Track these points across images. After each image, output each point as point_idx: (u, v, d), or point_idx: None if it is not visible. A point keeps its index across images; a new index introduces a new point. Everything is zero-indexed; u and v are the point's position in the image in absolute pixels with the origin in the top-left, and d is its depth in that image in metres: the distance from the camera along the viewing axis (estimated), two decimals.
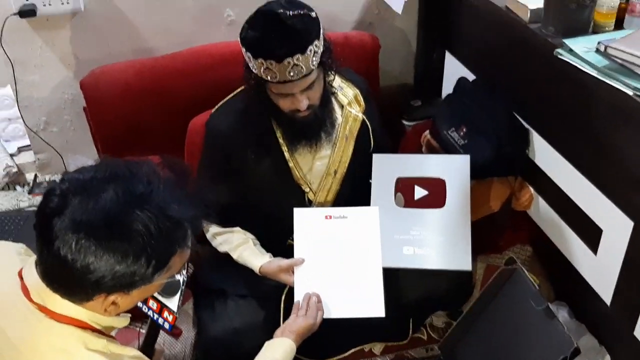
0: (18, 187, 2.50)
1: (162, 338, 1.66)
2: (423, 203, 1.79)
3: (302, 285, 1.61)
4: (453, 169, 1.79)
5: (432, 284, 1.79)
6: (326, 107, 1.69)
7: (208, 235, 1.79)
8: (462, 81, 2.02)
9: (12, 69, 2.22)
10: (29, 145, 2.51)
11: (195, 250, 2.03)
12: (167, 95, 2.16)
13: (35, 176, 2.54)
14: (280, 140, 1.70)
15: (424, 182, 1.80)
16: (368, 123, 1.81)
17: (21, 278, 1.06)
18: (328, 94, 1.69)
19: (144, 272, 0.99)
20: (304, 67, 1.50)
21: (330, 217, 1.68)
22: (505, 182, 1.86)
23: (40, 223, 0.98)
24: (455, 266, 1.69)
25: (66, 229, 0.94)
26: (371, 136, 1.82)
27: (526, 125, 1.80)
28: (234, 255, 1.73)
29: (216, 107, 1.79)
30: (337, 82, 1.77)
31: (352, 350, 1.85)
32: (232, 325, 1.67)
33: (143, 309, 1.38)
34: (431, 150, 2.05)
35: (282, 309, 1.69)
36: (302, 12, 1.52)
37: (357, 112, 1.79)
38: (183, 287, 1.37)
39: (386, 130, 1.99)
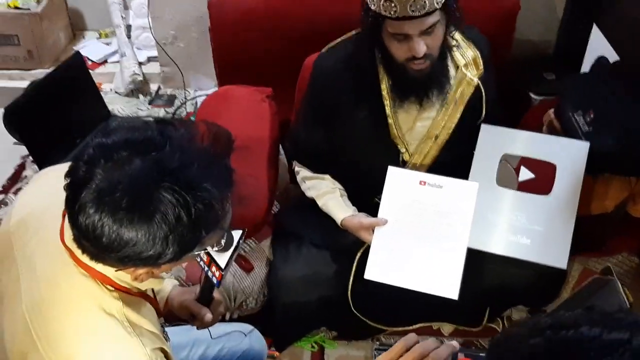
0: (141, 96, 2.63)
1: (232, 272, 1.69)
2: (527, 186, 1.66)
3: (380, 247, 1.56)
4: (568, 155, 1.62)
5: (518, 275, 1.67)
6: (443, 62, 1.57)
7: (298, 178, 1.78)
8: (601, 61, 1.82)
9: None
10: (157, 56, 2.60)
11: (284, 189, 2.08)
12: (290, 28, 2.13)
13: (159, 88, 2.65)
14: (384, 93, 1.61)
15: (532, 163, 1.65)
16: (483, 90, 1.66)
17: (63, 216, 0.99)
18: (447, 46, 1.56)
19: (170, 254, 0.91)
20: (427, 1, 1.39)
21: (425, 183, 1.59)
22: (625, 182, 1.67)
23: (68, 193, 0.91)
24: (550, 262, 1.56)
25: (90, 204, 0.88)
26: (484, 105, 1.68)
27: None
28: (320, 202, 1.70)
29: (327, 46, 1.73)
30: (458, 39, 1.65)
31: (420, 325, 1.80)
32: (302, 272, 1.67)
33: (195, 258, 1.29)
34: (552, 131, 1.87)
35: (355, 266, 1.66)
36: None
37: (473, 75, 1.65)
38: (239, 245, 1.28)
39: (502, 101, 1.84)
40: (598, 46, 1.97)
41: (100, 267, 0.98)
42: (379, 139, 1.65)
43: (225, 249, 1.23)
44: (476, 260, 1.58)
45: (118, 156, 0.89)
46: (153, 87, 2.66)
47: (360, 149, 1.68)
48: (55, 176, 0.97)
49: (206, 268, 1.27)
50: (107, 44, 2.84)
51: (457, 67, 1.64)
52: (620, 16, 1.89)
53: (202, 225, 0.92)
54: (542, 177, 1.65)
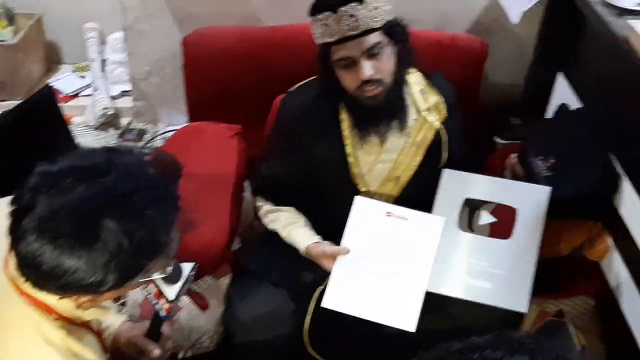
0: (111, 130, 2.62)
1: (187, 310, 1.66)
2: (488, 231, 1.66)
3: (340, 276, 1.55)
4: (529, 200, 1.63)
5: (477, 317, 1.65)
6: (398, 92, 1.59)
7: (260, 213, 1.77)
8: (562, 108, 1.86)
9: (126, 15, 2.31)
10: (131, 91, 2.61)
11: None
12: (263, 68, 2.16)
13: (130, 122, 2.65)
14: (345, 132, 1.63)
15: (493, 208, 1.67)
16: (444, 135, 1.69)
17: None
18: (401, 74, 1.58)
19: (111, 281, 0.91)
20: (360, 20, 1.43)
21: (391, 214, 1.60)
22: (582, 226, 1.69)
23: (11, 221, 0.91)
24: (511, 306, 1.55)
25: (31, 231, 0.87)
26: (444, 150, 1.70)
27: (619, 170, 1.61)
28: (283, 234, 1.69)
29: (296, 85, 1.76)
30: (420, 84, 1.67)
31: None
32: (259, 311, 1.64)
33: (143, 291, 1.25)
34: (514, 175, 1.89)
35: (313, 304, 1.63)
36: None
37: (434, 120, 1.67)
38: (189, 279, 1.24)
39: (470, 147, 1.86)
40: (564, 93, 2.02)
41: (43, 296, 0.97)
42: (340, 179, 1.66)
43: (173, 280, 1.22)
44: (436, 302, 1.57)
45: (62, 183, 0.88)
46: (124, 121, 2.67)
47: (322, 187, 1.69)
48: (4, 206, 0.96)
49: (155, 301, 1.24)
50: (82, 77, 2.85)
51: (418, 111, 1.66)
52: (584, 66, 1.93)
53: (145, 252, 0.91)
54: (503, 222, 1.66)
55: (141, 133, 2.58)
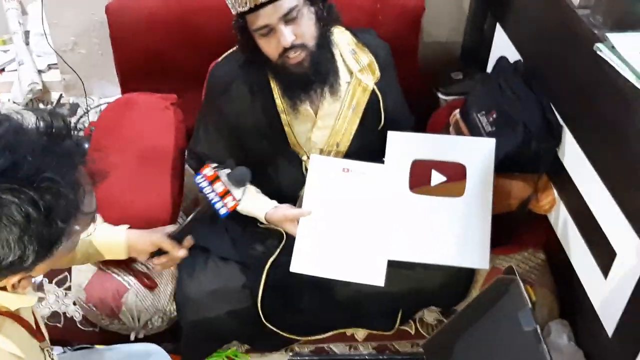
0: (41, 105, 2.49)
1: (135, 291, 1.61)
2: (439, 190, 1.66)
3: (305, 238, 1.53)
4: (476, 154, 1.63)
5: (428, 277, 1.67)
6: (325, 53, 1.53)
7: None
8: (502, 61, 1.84)
9: None
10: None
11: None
12: (193, 32, 2.06)
13: (60, 96, 2.52)
14: (278, 102, 1.58)
15: (442, 166, 1.65)
16: (379, 95, 1.65)
17: None
18: (325, 36, 1.52)
19: (32, 254, 0.87)
20: None
21: (348, 170, 1.58)
22: (527, 180, 1.69)
23: None
24: (472, 264, 1.57)
25: None
26: (382, 110, 1.67)
27: (560, 121, 1.62)
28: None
29: (225, 54, 1.68)
30: (350, 44, 1.63)
31: (333, 332, 1.77)
32: (210, 287, 1.61)
33: (205, 189, 1.33)
34: (458, 132, 1.90)
35: (264, 276, 1.61)
36: None
37: (367, 81, 1.64)
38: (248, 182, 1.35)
39: (407, 105, 1.84)
40: (503, 45, 2.00)
41: None
42: (279, 149, 1.62)
43: (239, 184, 1.33)
44: (391, 264, 1.56)
45: None
46: (55, 95, 2.53)
47: (261, 158, 1.64)
48: None
49: (216, 199, 1.32)
50: (5, 51, 2.68)
51: (351, 72, 1.62)
52: (518, 15, 1.92)
53: (57, 216, 0.87)
54: (454, 179, 1.65)
55: (74, 107, 2.47)
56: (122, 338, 1.66)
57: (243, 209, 1.62)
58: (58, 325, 1.70)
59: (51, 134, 0.90)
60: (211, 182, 1.34)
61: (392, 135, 1.64)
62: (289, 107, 1.58)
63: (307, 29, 1.45)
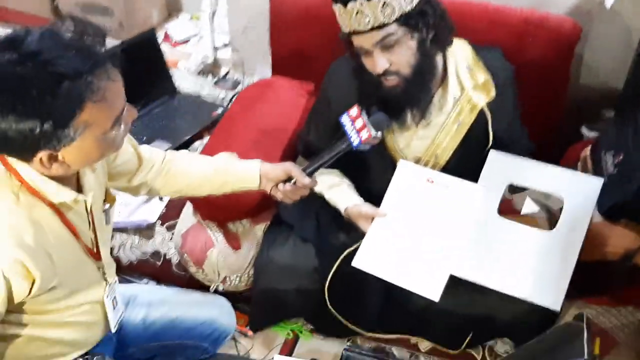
0: (210, 77, 2.77)
1: (220, 247, 1.75)
2: (530, 220, 1.57)
3: (374, 237, 1.55)
4: (578, 191, 1.52)
5: (506, 308, 1.59)
6: (421, 83, 1.52)
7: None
8: None
9: None
10: None
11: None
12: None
13: (227, 73, 2.77)
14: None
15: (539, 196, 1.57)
16: (489, 116, 1.60)
17: None
18: (426, 65, 1.51)
19: (47, 131, 0.98)
20: (370, 16, 1.39)
21: (433, 181, 1.57)
22: (636, 232, 1.53)
23: None
24: (544, 302, 1.46)
25: None
26: (490, 131, 1.62)
27: None
28: (326, 196, 1.71)
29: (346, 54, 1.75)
30: (468, 60, 1.60)
31: (397, 336, 1.76)
32: (284, 262, 1.69)
33: (345, 125, 1.45)
34: (584, 168, 1.77)
35: (338, 263, 1.65)
36: None
37: (478, 99, 1.60)
38: (386, 127, 1.47)
39: (526, 132, 1.75)
40: None
41: (19, 165, 1.07)
42: (377, 151, 1.64)
43: (377, 128, 1.43)
44: (466, 285, 1.53)
45: None
46: (224, 70, 2.80)
47: (358, 158, 1.66)
48: None
49: (351, 129, 1.44)
50: (196, 26, 3.02)
51: (462, 88, 1.59)
52: None
53: (67, 96, 0.98)
54: (547, 212, 1.56)
55: (235, 83, 2.70)
56: (205, 288, 1.80)
57: (331, 198, 1.68)
58: (157, 263, 1.90)
59: (80, 36, 1.02)
60: (353, 120, 1.45)
61: (493, 155, 1.59)
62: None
63: (403, 57, 1.47)
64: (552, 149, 1.94)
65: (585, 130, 2.08)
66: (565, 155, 2.00)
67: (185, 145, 2.34)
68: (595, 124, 2.07)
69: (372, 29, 1.41)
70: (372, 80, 1.52)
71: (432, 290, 1.46)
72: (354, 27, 1.43)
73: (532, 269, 1.48)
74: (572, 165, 1.85)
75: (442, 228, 1.52)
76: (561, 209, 1.53)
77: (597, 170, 1.67)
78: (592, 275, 1.58)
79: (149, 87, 2.53)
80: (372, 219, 1.56)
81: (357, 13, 1.40)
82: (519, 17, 1.98)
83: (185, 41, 2.95)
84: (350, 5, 1.40)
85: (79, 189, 1.20)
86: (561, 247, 1.49)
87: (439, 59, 1.59)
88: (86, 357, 1.34)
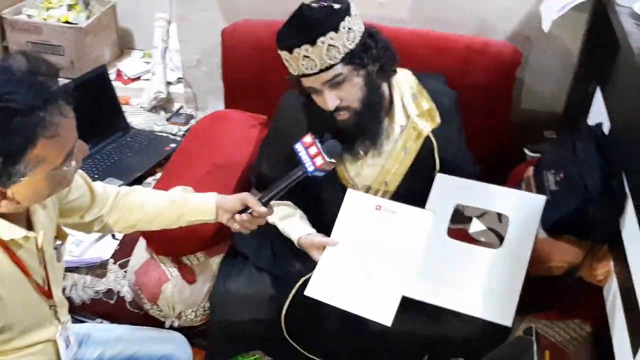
0: (162, 112, 2.77)
1: (174, 282, 1.74)
2: (477, 239, 1.62)
3: (326, 266, 1.57)
4: (522, 209, 1.58)
5: (459, 326, 1.61)
6: (371, 114, 1.58)
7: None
8: (582, 124, 1.78)
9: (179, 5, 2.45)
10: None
11: None
12: None
13: (180, 107, 2.78)
14: None
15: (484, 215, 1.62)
16: (434, 142, 1.66)
17: None
18: (374, 97, 1.57)
19: None
20: (316, 60, 1.45)
21: (380, 208, 1.61)
22: (580, 245, 1.59)
23: None
24: (496, 319, 1.50)
25: None
26: (436, 157, 1.67)
27: (627, 191, 1.51)
28: (280, 226, 1.73)
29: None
30: (413, 88, 1.66)
31: None
32: (240, 292, 1.70)
33: (300, 152, 1.47)
34: (527, 187, 1.83)
35: (294, 292, 1.65)
36: (325, 4, 1.46)
37: (423, 127, 1.65)
38: (338, 154, 1.48)
39: (470, 156, 1.81)
40: (598, 110, 1.91)
41: None
42: (329, 180, 1.66)
43: (330, 155, 1.46)
44: (419, 307, 1.55)
45: None
46: (177, 105, 2.81)
47: (311, 188, 1.68)
48: None
49: (305, 157, 1.46)
50: (147, 62, 3.02)
51: (408, 117, 1.64)
52: (616, 84, 1.82)
53: (18, 131, 0.98)
54: (493, 230, 1.61)
55: (189, 118, 2.71)
56: (161, 324, 1.79)
57: (284, 229, 1.70)
58: (110, 301, 1.87)
59: (32, 72, 1.03)
60: (307, 147, 1.48)
61: (440, 178, 1.64)
62: None
63: (350, 94, 1.52)
64: (497, 169, 2.01)
65: (527, 151, 2.14)
66: (510, 176, 2.07)
67: (138, 181, 2.32)
68: (537, 145, 2.14)
69: (320, 71, 1.47)
70: (324, 114, 1.56)
71: (384, 315, 1.47)
72: (302, 70, 1.48)
73: (482, 286, 1.52)
74: (517, 185, 1.92)
75: (391, 253, 1.55)
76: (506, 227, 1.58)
77: (539, 189, 1.74)
78: (540, 291, 1.63)
79: (101, 124, 2.52)
80: (324, 248, 1.58)
81: (303, 58, 1.45)
82: (462, 44, 2.06)
83: (137, 78, 2.94)
84: (295, 51, 1.45)
85: (29, 226, 1.19)
86: (509, 263, 1.54)
87: (384, 88, 1.64)
88: None
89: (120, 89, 2.84)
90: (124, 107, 2.71)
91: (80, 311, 1.88)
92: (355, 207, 1.62)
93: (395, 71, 1.63)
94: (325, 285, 1.55)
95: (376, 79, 1.57)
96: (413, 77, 1.69)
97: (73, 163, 1.11)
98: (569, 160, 1.68)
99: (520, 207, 1.58)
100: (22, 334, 1.20)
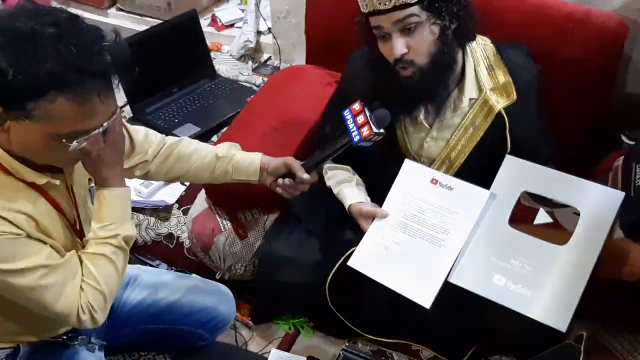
0: (250, 62, 2.76)
1: (226, 235, 1.74)
2: (540, 232, 1.49)
3: (372, 238, 1.52)
4: (597, 204, 1.42)
5: (512, 322, 1.50)
6: (439, 76, 1.46)
7: (323, 169, 1.77)
8: None
9: None
10: None
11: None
12: None
13: (268, 59, 2.76)
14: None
15: (554, 206, 1.48)
16: (507, 119, 1.51)
17: None
18: (444, 57, 1.44)
19: (12, 83, 0.97)
20: None
21: (437, 182, 1.51)
22: None
23: None
24: (549, 322, 1.37)
25: None
26: (507, 136, 1.53)
27: None
28: (335, 191, 1.69)
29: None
30: (490, 59, 1.52)
31: (398, 341, 1.71)
32: (287, 253, 1.67)
33: (347, 119, 1.43)
34: (614, 179, 1.65)
35: (341, 261, 1.61)
36: None
37: (497, 101, 1.51)
38: (387, 123, 1.41)
39: (550, 139, 1.65)
40: None
41: None
42: (390, 151, 1.59)
43: (379, 125, 1.40)
44: (471, 296, 1.45)
45: None
46: (266, 56, 2.79)
47: (370, 156, 1.61)
48: None
49: (352, 125, 1.41)
50: (242, 10, 3.02)
51: (481, 89, 1.51)
52: None
53: (52, 73, 0.98)
54: (561, 224, 1.47)
55: (275, 70, 2.69)
56: (213, 274, 1.81)
57: (338, 194, 1.66)
58: (170, 245, 1.92)
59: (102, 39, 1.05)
60: (355, 115, 1.42)
61: (508, 160, 1.50)
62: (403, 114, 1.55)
63: (422, 43, 1.41)
64: (590, 156, 1.83)
65: (625, 138, 1.93)
66: (601, 164, 1.88)
67: (216, 130, 2.35)
68: (635, 132, 1.92)
69: (395, 8, 1.36)
70: (388, 71, 1.46)
71: (424, 296, 1.41)
72: (375, 6, 1.37)
73: (538, 284, 1.40)
74: (605, 176, 1.74)
75: (441, 232, 1.46)
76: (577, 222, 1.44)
77: (626, 183, 1.56)
78: (608, 295, 1.48)
79: (188, 69, 2.56)
80: (373, 218, 1.52)
81: None
82: (562, 12, 1.86)
83: (231, 25, 2.95)
84: None
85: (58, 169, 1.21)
86: (573, 264, 1.40)
87: (458, 55, 1.52)
88: (70, 335, 1.38)
89: (213, 35, 2.87)
90: (215, 54, 2.74)
91: (141, 251, 1.94)
92: (411, 179, 1.54)
93: (474, 37, 1.50)
94: (369, 258, 1.50)
95: (452, 38, 1.45)
96: (492, 45, 1.55)
97: (74, 146, 1.08)
98: None
99: (595, 202, 1.43)
100: None
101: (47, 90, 1.00)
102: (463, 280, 1.44)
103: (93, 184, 1.30)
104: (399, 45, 1.39)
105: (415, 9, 1.36)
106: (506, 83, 1.52)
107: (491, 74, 1.52)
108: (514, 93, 1.52)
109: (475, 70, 1.52)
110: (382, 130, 1.40)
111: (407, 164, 1.55)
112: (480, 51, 1.53)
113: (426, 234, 1.47)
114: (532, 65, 1.57)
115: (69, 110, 1.03)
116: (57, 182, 1.18)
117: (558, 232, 1.49)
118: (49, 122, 1.03)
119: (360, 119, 1.40)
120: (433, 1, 1.37)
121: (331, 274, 1.62)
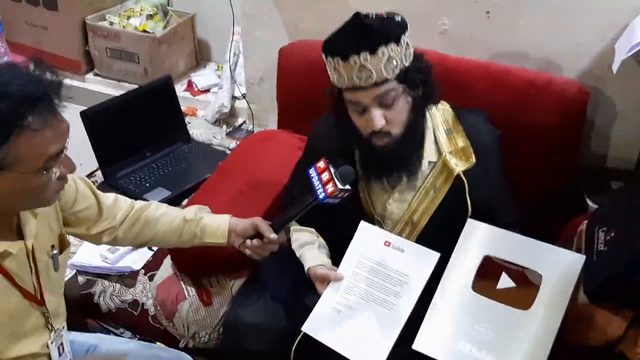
0: (224, 127, 2.80)
1: (190, 302, 1.73)
2: (504, 297, 1.48)
3: (326, 302, 1.52)
4: (558, 268, 1.43)
5: None
6: (412, 142, 1.49)
7: (290, 230, 1.77)
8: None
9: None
10: None
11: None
12: None
13: (243, 123, 2.80)
14: (357, 167, 1.57)
15: (515, 271, 1.48)
16: (466, 182, 1.53)
17: None
18: (417, 125, 1.48)
19: None
20: (373, 71, 1.35)
21: (390, 244, 1.53)
22: (626, 316, 1.41)
23: None
24: None
25: None
26: (468, 199, 1.54)
27: None
28: (297, 253, 1.68)
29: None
30: (449, 123, 1.55)
31: None
32: (253, 320, 1.64)
33: (313, 177, 1.42)
34: (578, 243, 1.67)
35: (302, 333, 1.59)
36: (384, 15, 1.38)
37: (456, 164, 1.53)
38: (352, 180, 1.40)
39: (511, 201, 1.66)
40: None
41: None
42: (354, 213, 1.59)
43: (344, 182, 1.39)
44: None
45: None
46: (240, 120, 2.83)
47: (338, 218, 1.61)
48: None
49: (317, 183, 1.41)
50: (218, 75, 3.07)
51: (440, 153, 1.54)
52: None
53: (6, 114, 0.99)
54: (524, 289, 1.46)
55: (249, 133, 2.72)
56: (177, 342, 1.77)
57: (301, 256, 1.65)
58: (135, 313, 1.88)
59: (35, 69, 1.06)
60: (320, 173, 1.43)
61: (470, 224, 1.52)
62: (366, 177, 1.57)
63: (398, 116, 1.44)
64: (556, 219, 1.85)
65: (590, 202, 1.96)
66: (567, 228, 1.89)
67: (187, 193, 2.35)
68: (599, 196, 1.95)
69: (376, 84, 1.39)
70: (359, 137, 1.49)
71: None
72: (354, 82, 1.40)
73: (502, 350, 1.38)
74: (570, 239, 1.75)
75: (392, 296, 1.46)
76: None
77: (588, 247, 1.57)
78: None
79: (162, 133, 2.58)
80: (329, 282, 1.51)
81: (359, 68, 1.37)
82: (524, 79, 1.92)
83: (207, 90, 3.00)
84: (352, 59, 1.37)
85: (20, 235, 1.19)
86: (537, 328, 1.39)
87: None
88: None
89: (189, 100, 2.91)
90: (190, 118, 2.77)
91: (106, 319, 1.90)
92: (365, 241, 1.55)
93: (439, 100, 1.54)
94: (321, 323, 1.49)
95: (421, 105, 1.49)
96: (450, 110, 1.59)
97: (53, 174, 1.09)
98: (622, 218, 1.50)
99: (557, 265, 1.43)
100: (10, 343, 1.21)
101: (6, 135, 1.01)
102: (427, 347, 1.42)
103: (56, 251, 1.29)
104: (378, 119, 1.42)
105: (393, 83, 1.40)
106: (465, 147, 1.55)
107: (450, 137, 1.55)
108: (473, 157, 1.55)
109: (434, 134, 1.55)
110: (347, 187, 1.41)
111: (363, 226, 1.56)
112: (439, 115, 1.57)
113: (378, 297, 1.47)
114: (492, 130, 1.61)
115: (34, 143, 1.03)
116: (14, 250, 1.16)
117: (521, 296, 1.48)
118: (19, 163, 1.03)
119: (325, 176, 1.41)
120: (407, 75, 1.40)
121: (296, 342, 1.59)
